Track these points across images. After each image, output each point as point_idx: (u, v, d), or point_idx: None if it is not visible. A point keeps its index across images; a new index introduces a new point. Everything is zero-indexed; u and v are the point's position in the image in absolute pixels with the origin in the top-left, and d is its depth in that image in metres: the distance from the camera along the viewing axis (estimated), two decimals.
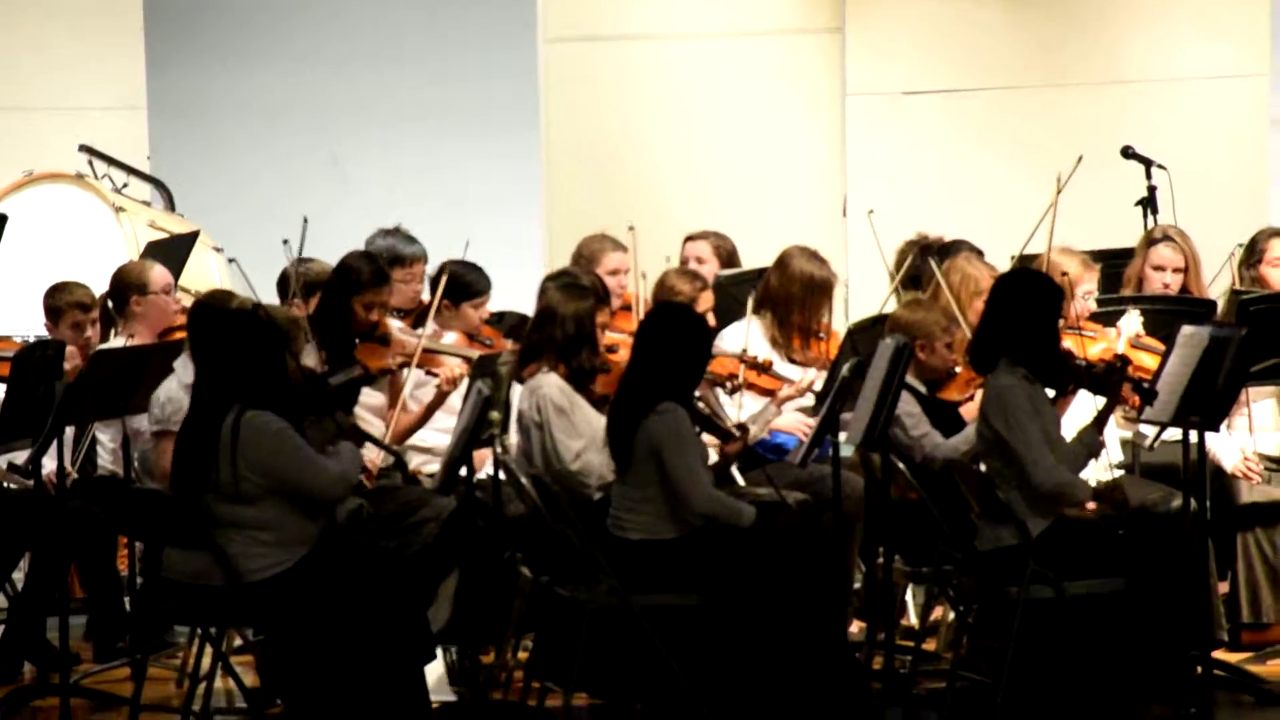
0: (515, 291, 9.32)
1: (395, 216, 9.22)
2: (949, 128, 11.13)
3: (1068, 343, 7.80)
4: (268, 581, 7.08)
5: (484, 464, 7.85)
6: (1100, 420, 7.35)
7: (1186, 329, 7.61)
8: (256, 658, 7.69)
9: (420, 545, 7.75)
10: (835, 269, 8.86)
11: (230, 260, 9.43)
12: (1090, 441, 7.33)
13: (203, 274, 9.61)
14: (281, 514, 7.09)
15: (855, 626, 8.13)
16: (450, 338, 8.56)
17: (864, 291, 10.37)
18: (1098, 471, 8.19)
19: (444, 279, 8.53)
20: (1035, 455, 7.14)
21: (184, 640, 8.14)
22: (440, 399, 8.30)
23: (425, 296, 8.86)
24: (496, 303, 9.00)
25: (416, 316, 8.81)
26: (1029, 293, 7.37)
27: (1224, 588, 8.31)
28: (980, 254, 8.90)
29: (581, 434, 7.61)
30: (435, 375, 8.31)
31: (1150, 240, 8.88)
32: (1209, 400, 7.34)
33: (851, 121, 11.18)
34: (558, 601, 7.32)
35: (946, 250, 8.87)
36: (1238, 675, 7.61)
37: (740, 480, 8.25)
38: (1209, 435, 7.68)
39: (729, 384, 8.43)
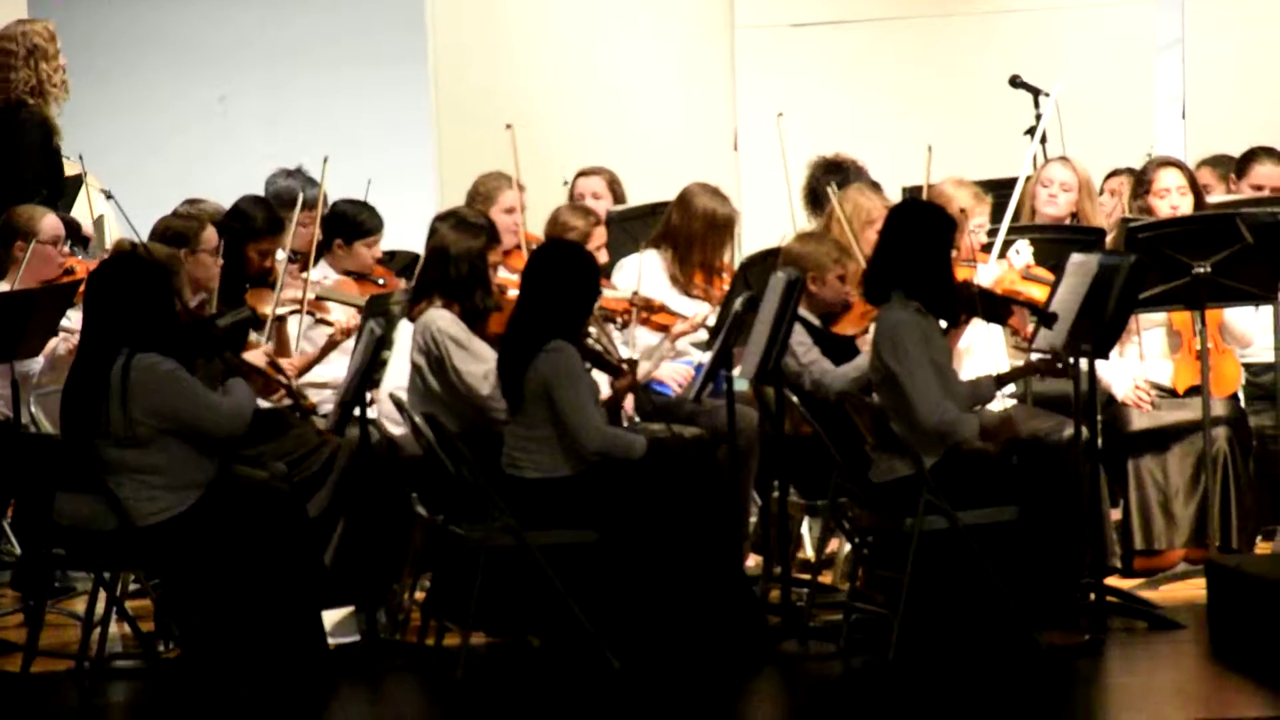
0: (408, 228, 9.26)
1: (281, 155, 9.14)
2: (838, 60, 11.13)
3: (961, 274, 7.83)
4: (161, 525, 7.05)
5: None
6: (1004, 379, 7.39)
7: (1076, 257, 7.65)
8: (151, 602, 7.64)
9: (314, 486, 7.71)
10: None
11: (108, 195, 9.33)
12: (986, 389, 7.35)
13: (90, 218, 9.48)
14: (173, 458, 7.05)
15: (751, 560, 8.15)
16: (330, 277, 8.50)
17: (756, 226, 10.37)
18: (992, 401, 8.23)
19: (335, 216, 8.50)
20: (922, 393, 7.16)
21: (75, 587, 8.09)
22: (332, 345, 8.26)
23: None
24: (390, 241, 8.95)
25: (308, 258, 8.75)
26: (920, 224, 7.38)
27: (1116, 514, 8.38)
28: (877, 186, 8.92)
29: (485, 358, 7.54)
30: (326, 324, 8.26)
31: (1044, 165, 8.91)
32: (1099, 328, 7.38)
33: (740, 54, 11.15)
34: (454, 541, 7.30)
35: (848, 175, 8.88)
36: (1131, 601, 7.67)
37: (634, 415, 8.24)
38: (1099, 363, 7.73)
39: (620, 320, 8.42)
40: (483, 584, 7.11)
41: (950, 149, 8.81)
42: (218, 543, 7.04)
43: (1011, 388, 8.41)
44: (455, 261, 7.66)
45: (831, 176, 8.97)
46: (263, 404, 7.64)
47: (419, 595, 7.80)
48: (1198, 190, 8.77)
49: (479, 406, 7.49)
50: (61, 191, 9.44)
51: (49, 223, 8.45)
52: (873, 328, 7.58)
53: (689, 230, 8.62)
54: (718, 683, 7.00)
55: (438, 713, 6.98)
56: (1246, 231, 7.61)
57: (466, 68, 11.16)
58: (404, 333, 7.79)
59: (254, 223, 8.18)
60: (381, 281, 8.60)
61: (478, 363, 7.52)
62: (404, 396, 7.56)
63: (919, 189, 8.90)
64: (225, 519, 7.06)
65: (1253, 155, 9.31)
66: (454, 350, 7.54)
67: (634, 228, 8.84)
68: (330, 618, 7.45)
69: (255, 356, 7.67)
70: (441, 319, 7.59)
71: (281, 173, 9.03)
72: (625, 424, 7.99)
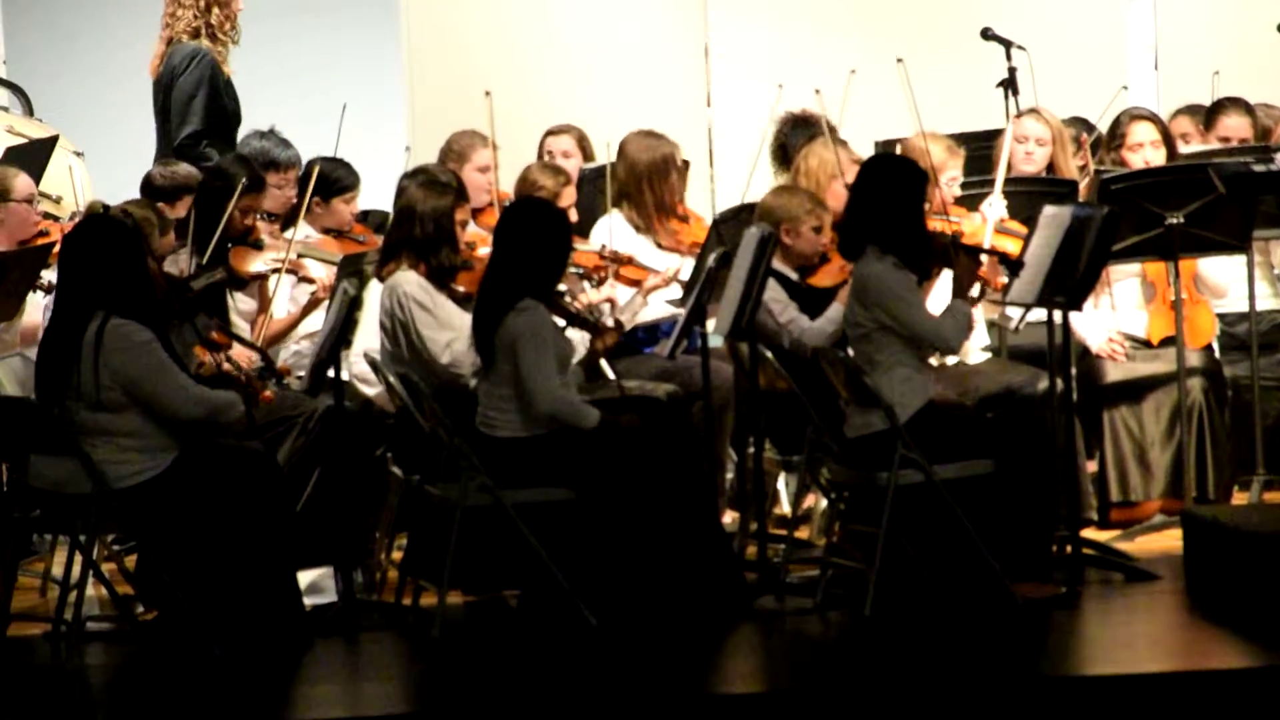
0: (382, 189, 9.24)
1: (254, 116, 9.10)
2: (813, 15, 11.09)
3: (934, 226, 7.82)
4: (136, 488, 7.04)
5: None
6: (955, 289, 7.36)
7: (1049, 209, 7.65)
8: (121, 564, 7.63)
9: (289, 447, 7.70)
10: (702, 159, 8.83)
11: (78, 154, 9.31)
12: (962, 311, 7.32)
13: (63, 180, 9.44)
14: (148, 421, 7.03)
15: (728, 517, 8.15)
16: (312, 236, 8.49)
17: (730, 181, 10.35)
18: (966, 355, 8.25)
19: (314, 176, 8.49)
20: (925, 325, 7.16)
21: (46, 549, 8.07)
22: (314, 304, 8.25)
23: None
24: (364, 200, 8.94)
25: (286, 219, 8.74)
26: (892, 178, 7.37)
27: (1092, 467, 8.39)
28: (843, 142, 8.91)
29: (447, 326, 7.54)
30: (308, 281, 8.24)
31: (1016, 116, 8.91)
32: (1072, 280, 7.38)
33: (713, 12, 11.12)
34: (430, 500, 7.29)
35: (816, 131, 8.86)
36: (1107, 553, 7.69)
37: (610, 374, 8.24)
38: (1073, 315, 7.73)
39: (595, 277, 8.41)
40: (459, 543, 7.10)
41: (923, 101, 8.77)
42: (194, 505, 7.03)
43: (986, 340, 8.42)
44: (422, 220, 7.64)
45: (800, 132, 8.97)
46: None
47: (395, 555, 7.80)
48: (1170, 142, 8.77)
49: (440, 372, 7.48)
50: (226, 133, 9.49)
51: (21, 182, 8.41)
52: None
53: (634, 176, 8.66)
54: (695, 639, 7.00)
55: (415, 672, 6.98)
56: (1219, 182, 7.61)
57: (439, 29, 11.11)
58: (376, 292, 7.77)
59: (236, 181, 8.16)
60: (362, 239, 8.60)
61: (441, 330, 7.52)
62: (378, 357, 7.55)
63: (893, 142, 8.89)
64: (201, 481, 7.05)
65: (1220, 107, 9.32)
66: (418, 314, 7.54)
67: (604, 186, 8.82)
68: (306, 578, 7.45)
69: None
70: (408, 282, 7.58)
71: (255, 134, 9.00)
72: (607, 381, 8.01)
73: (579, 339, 7.68)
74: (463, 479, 7.11)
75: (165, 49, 9.74)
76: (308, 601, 7.29)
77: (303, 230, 8.60)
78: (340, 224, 8.64)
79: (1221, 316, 8.66)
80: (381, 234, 8.60)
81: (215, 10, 9.65)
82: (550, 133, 9.61)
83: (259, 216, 8.38)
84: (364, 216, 9.06)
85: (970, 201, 8.57)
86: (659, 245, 8.67)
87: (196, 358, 7.34)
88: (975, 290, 7.49)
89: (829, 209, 8.01)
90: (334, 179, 8.65)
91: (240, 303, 8.17)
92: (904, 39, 10.87)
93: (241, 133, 9.36)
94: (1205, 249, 8.14)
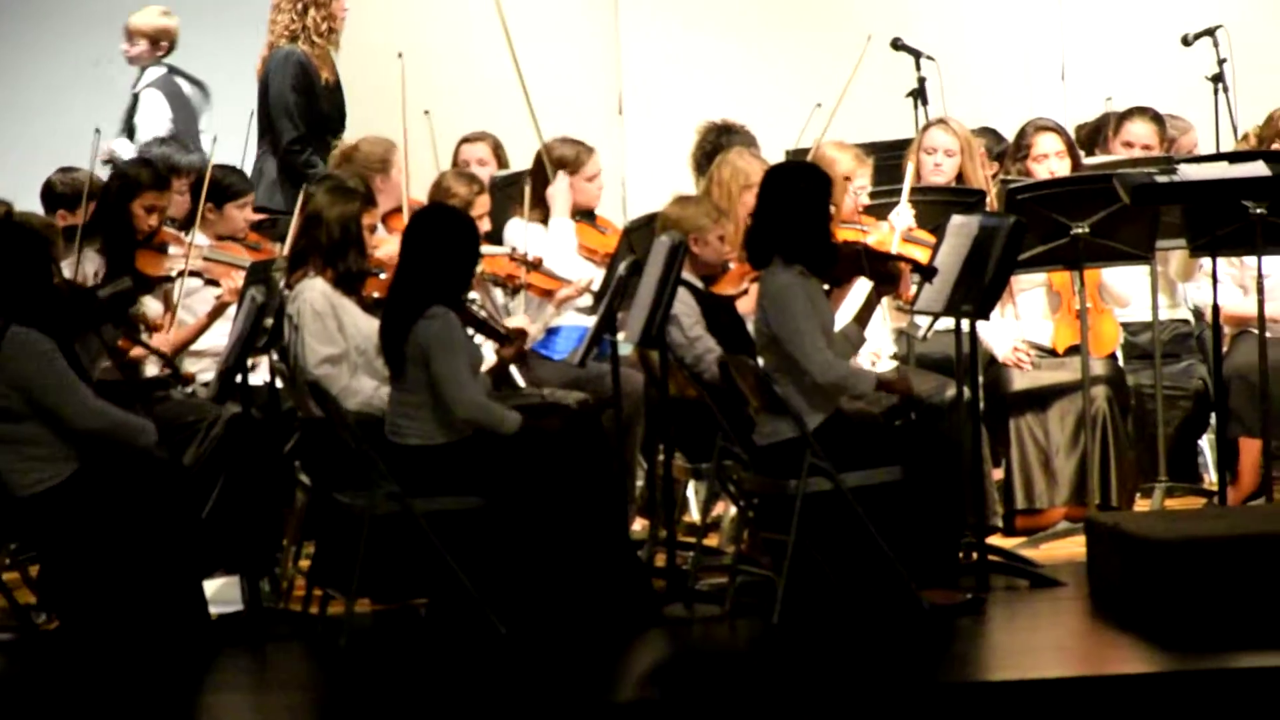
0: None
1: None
2: (724, 19, 11.12)
3: (845, 236, 7.86)
4: (39, 495, 6.99)
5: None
6: (862, 316, 7.41)
7: (957, 219, 7.71)
8: (25, 573, 7.57)
9: (193, 453, 7.67)
10: (614, 167, 8.85)
11: None
12: (855, 335, 7.38)
13: None
14: (48, 429, 6.98)
15: (637, 524, 8.17)
16: (204, 243, 8.46)
17: (642, 189, 10.36)
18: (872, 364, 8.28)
19: (206, 182, 8.46)
20: (812, 353, 7.18)
21: None
22: (220, 309, 8.20)
23: None
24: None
25: (184, 225, 8.69)
26: (797, 186, 7.38)
27: (998, 474, 8.44)
28: (755, 147, 8.95)
29: (335, 343, 7.52)
30: (216, 285, 8.20)
31: (925, 127, 8.97)
32: (980, 290, 7.43)
33: (625, 15, 11.13)
34: (338, 508, 7.27)
35: (735, 139, 8.90)
36: (1012, 560, 7.74)
37: (521, 382, 8.24)
38: (980, 324, 7.78)
39: (508, 285, 8.41)
40: (367, 551, 7.08)
41: (836, 112, 8.84)
42: (97, 513, 6.98)
43: (894, 349, 8.47)
44: (329, 226, 7.63)
45: (721, 140, 8.99)
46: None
47: (303, 563, 7.77)
48: (1075, 153, 8.85)
49: (309, 383, 7.43)
50: (322, 136, 9.47)
51: None
52: (753, 289, 7.61)
53: (546, 182, 8.64)
54: (603, 647, 7.01)
55: (322, 681, 6.96)
56: (1124, 192, 7.67)
57: (357, 27, 11.09)
58: None
59: (139, 178, 8.12)
60: (257, 246, 8.56)
61: (327, 344, 7.50)
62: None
63: (803, 151, 8.93)
64: (105, 489, 7.01)
65: (1127, 114, 9.40)
66: (309, 324, 7.51)
67: (517, 193, 8.82)
68: (212, 586, 7.42)
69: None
70: (312, 289, 7.57)
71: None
72: (516, 389, 8.00)
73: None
74: (372, 487, 7.09)
75: (267, 52, 9.70)
76: (213, 610, 7.26)
77: (198, 238, 8.55)
78: (234, 230, 8.58)
79: (1125, 325, 8.73)
80: (281, 242, 8.59)
81: (312, 12, 9.63)
82: (465, 140, 9.60)
83: (165, 220, 8.32)
84: (271, 224, 9.02)
85: (879, 211, 8.62)
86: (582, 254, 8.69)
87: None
88: (887, 299, 7.54)
89: (732, 217, 8.03)
90: (227, 184, 8.59)
91: (146, 307, 8.11)
92: (814, 47, 10.95)
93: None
94: (1110, 259, 8.21)
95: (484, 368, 7.50)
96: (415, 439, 7.22)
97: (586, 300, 8.47)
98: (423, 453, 7.20)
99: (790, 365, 7.22)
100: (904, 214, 8.53)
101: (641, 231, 8.36)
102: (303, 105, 9.59)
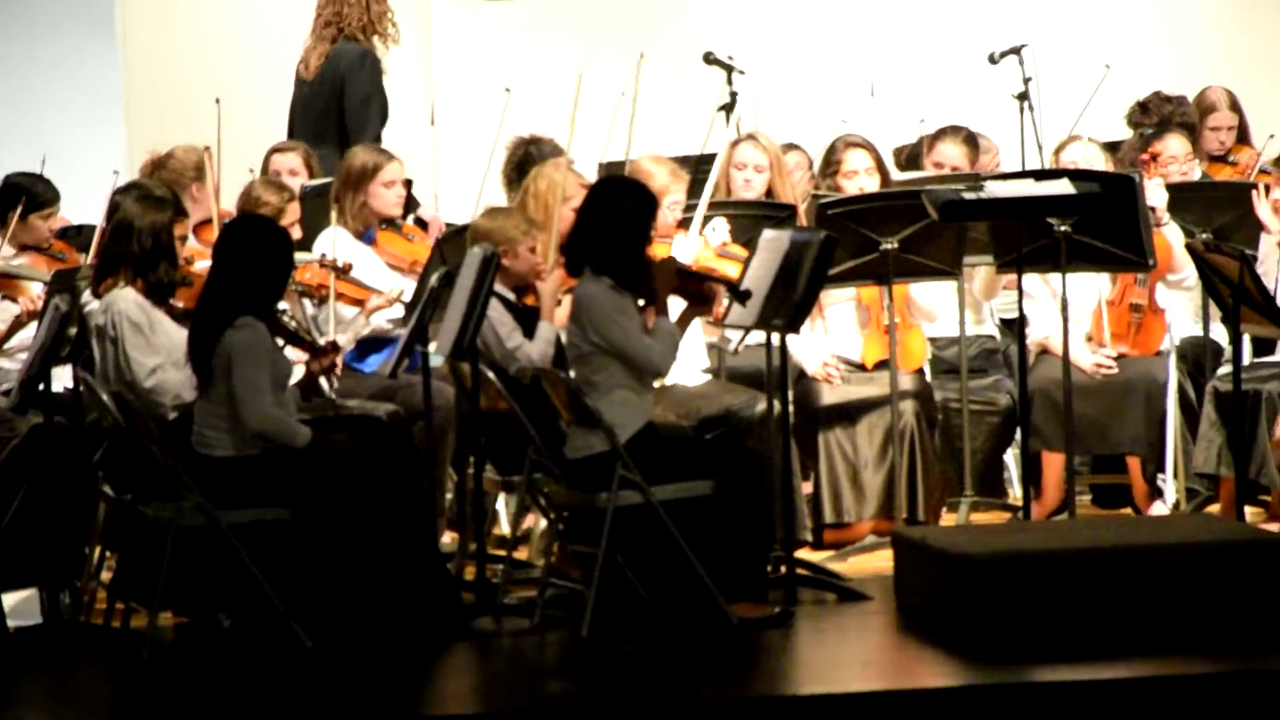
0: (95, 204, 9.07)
1: None
2: (534, 32, 11.13)
3: (662, 251, 7.88)
4: None
5: None
6: (680, 325, 7.43)
7: (768, 233, 7.75)
8: None
9: None
10: (427, 179, 8.81)
11: None
12: (668, 330, 7.36)
13: None
14: None
15: (447, 537, 8.13)
16: (18, 261, 8.32)
17: (454, 200, 10.32)
18: (685, 376, 8.31)
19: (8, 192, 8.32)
20: (634, 339, 7.18)
21: None
22: (18, 325, 8.06)
23: None
24: (78, 215, 8.76)
25: None
26: (618, 200, 7.39)
27: (807, 488, 8.49)
28: (570, 162, 8.94)
29: (157, 351, 7.45)
30: (12, 301, 8.06)
31: (734, 142, 9.01)
32: (791, 304, 7.48)
33: (437, 29, 11.09)
34: (142, 520, 7.17)
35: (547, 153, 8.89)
36: (820, 573, 7.78)
37: (331, 393, 8.17)
38: (790, 339, 7.83)
39: (315, 295, 8.34)
40: (171, 563, 6.99)
41: (645, 124, 8.85)
42: None
43: (706, 362, 8.50)
44: (139, 235, 7.54)
45: (530, 152, 8.99)
46: None
47: (105, 576, 7.65)
48: (884, 169, 8.94)
49: (141, 395, 7.36)
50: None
51: None
52: (566, 300, 7.60)
53: (354, 186, 8.60)
54: (411, 660, 6.97)
55: (124, 696, 6.86)
56: (932, 208, 7.75)
57: (156, 39, 10.96)
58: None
59: None
60: (62, 256, 8.43)
61: (150, 354, 7.43)
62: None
63: (615, 164, 8.94)
64: None
65: (938, 134, 9.51)
66: (129, 335, 7.44)
67: (326, 203, 8.76)
68: (10, 600, 7.29)
69: None
70: (124, 300, 7.48)
71: None
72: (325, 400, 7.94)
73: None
74: (178, 499, 7.00)
75: (329, 47, 9.47)
76: (11, 624, 7.13)
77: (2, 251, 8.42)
78: (38, 240, 8.44)
79: (932, 340, 8.83)
80: (86, 251, 8.46)
81: (373, 5, 9.47)
82: (276, 149, 9.52)
83: None
84: (77, 232, 8.89)
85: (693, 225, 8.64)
86: (390, 265, 8.64)
87: None
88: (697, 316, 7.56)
89: (547, 230, 8.03)
90: (32, 194, 8.44)
91: None
92: (629, 60, 10.97)
93: None
94: (918, 274, 8.30)
95: (293, 380, 7.44)
96: (222, 450, 7.14)
97: (398, 311, 8.42)
98: (230, 464, 7.12)
99: (613, 367, 7.21)
100: (719, 229, 8.56)
101: (453, 243, 8.33)
102: (383, 105, 9.47)
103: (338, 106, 9.46)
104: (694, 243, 8.51)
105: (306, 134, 9.43)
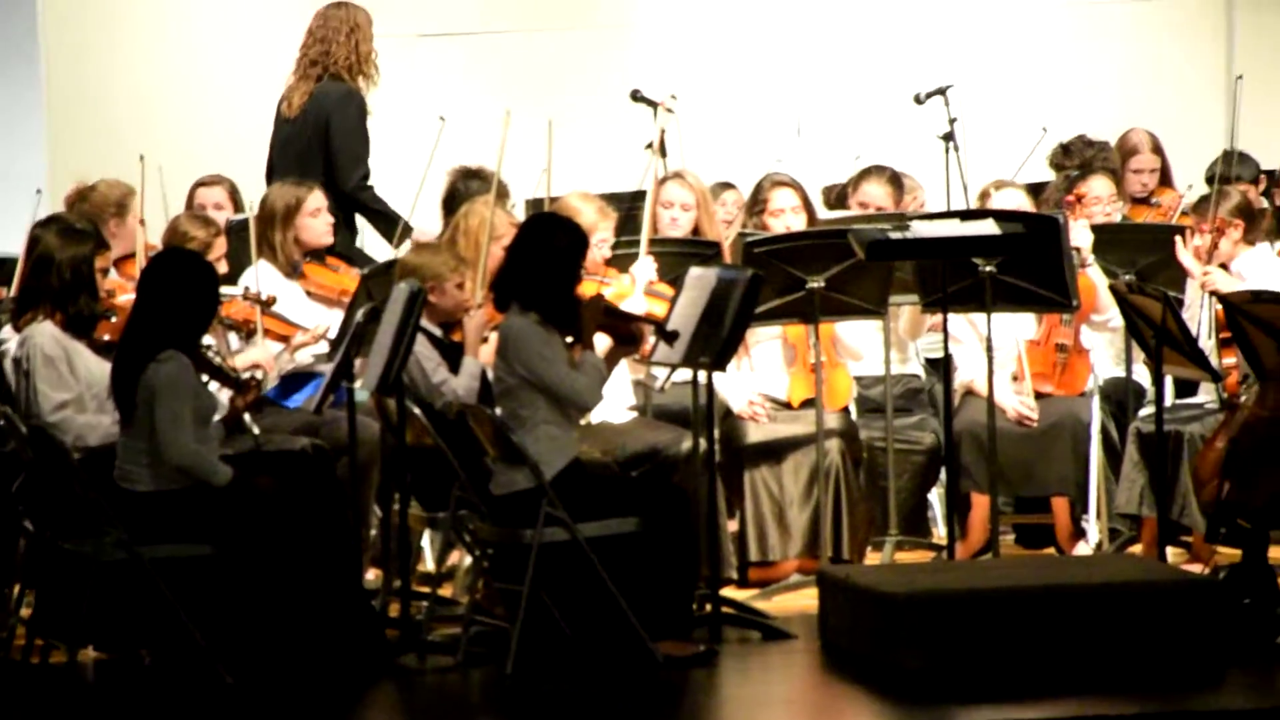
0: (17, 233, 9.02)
1: None
2: (464, 70, 11.12)
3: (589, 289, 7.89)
4: None
5: None
6: (608, 361, 7.43)
7: (695, 271, 7.76)
8: None
9: None
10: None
11: None
12: (593, 364, 7.36)
13: None
14: None
15: (371, 574, 8.09)
16: None
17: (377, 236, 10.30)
18: (612, 414, 8.31)
19: None
20: (559, 372, 7.18)
21: None
22: None
23: None
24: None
25: None
26: (548, 238, 7.40)
27: (733, 526, 8.50)
28: (505, 197, 8.97)
29: (68, 388, 7.40)
30: None
31: (661, 180, 9.02)
32: (717, 341, 7.48)
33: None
34: (63, 555, 7.11)
35: (486, 185, 8.89)
36: (745, 612, 7.78)
37: (255, 428, 8.12)
38: (717, 376, 7.84)
39: (242, 329, 8.31)
40: (93, 599, 6.94)
41: (574, 162, 8.87)
42: None
43: (633, 400, 8.50)
44: (59, 268, 7.51)
45: (468, 184, 8.99)
46: None
47: (24, 612, 7.58)
48: (811, 208, 8.96)
49: (36, 428, 7.29)
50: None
51: None
52: (493, 336, 7.59)
53: (271, 216, 8.59)
54: (335, 697, 6.93)
55: None
56: (859, 248, 7.78)
57: (81, 62, 10.92)
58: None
59: None
60: None
61: (60, 390, 7.38)
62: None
63: (541, 201, 8.94)
64: None
65: (863, 174, 9.55)
66: (41, 369, 7.42)
67: (249, 237, 8.72)
68: None
69: None
70: (41, 334, 7.46)
71: None
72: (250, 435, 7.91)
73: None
74: (99, 534, 6.95)
75: (313, 86, 9.39)
76: None
77: None
78: None
79: (858, 379, 8.85)
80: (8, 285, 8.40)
81: (361, 45, 9.41)
82: (201, 184, 9.49)
83: None
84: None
85: (621, 263, 8.66)
86: (309, 294, 8.61)
87: None
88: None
89: (475, 267, 8.02)
90: None
91: None
92: (558, 97, 11.00)
93: None
94: (844, 313, 8.33)
95: (217, 415, 7.40)
96: (144, 485, 7.10)
97: (324, 347, 8.39)
98: (152, 499, 7.08)
99: (538, 402, 7.20)
100: (645, 266, 8.58)
101: (380, 278, 8.31)
102: (366, 141, 9.42)
103: (321, 144, 9.41)
104: (621, 281, 8.52)
105: (289, 172, 9.39)
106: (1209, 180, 9.22)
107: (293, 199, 8.68)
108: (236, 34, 11.13)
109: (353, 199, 9.42)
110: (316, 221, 8.72)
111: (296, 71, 9.50)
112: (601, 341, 7.51)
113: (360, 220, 9.56)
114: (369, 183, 9.45)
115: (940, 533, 9.07)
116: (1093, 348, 8.91)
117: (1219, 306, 7.98)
